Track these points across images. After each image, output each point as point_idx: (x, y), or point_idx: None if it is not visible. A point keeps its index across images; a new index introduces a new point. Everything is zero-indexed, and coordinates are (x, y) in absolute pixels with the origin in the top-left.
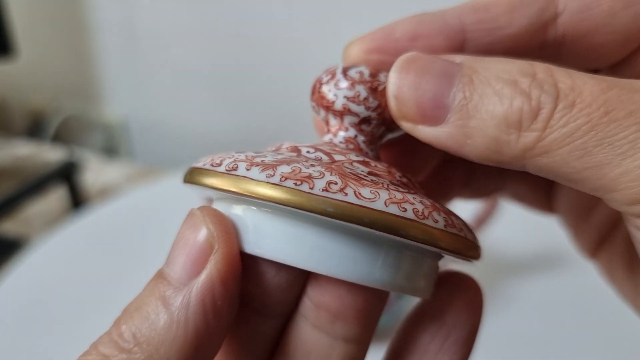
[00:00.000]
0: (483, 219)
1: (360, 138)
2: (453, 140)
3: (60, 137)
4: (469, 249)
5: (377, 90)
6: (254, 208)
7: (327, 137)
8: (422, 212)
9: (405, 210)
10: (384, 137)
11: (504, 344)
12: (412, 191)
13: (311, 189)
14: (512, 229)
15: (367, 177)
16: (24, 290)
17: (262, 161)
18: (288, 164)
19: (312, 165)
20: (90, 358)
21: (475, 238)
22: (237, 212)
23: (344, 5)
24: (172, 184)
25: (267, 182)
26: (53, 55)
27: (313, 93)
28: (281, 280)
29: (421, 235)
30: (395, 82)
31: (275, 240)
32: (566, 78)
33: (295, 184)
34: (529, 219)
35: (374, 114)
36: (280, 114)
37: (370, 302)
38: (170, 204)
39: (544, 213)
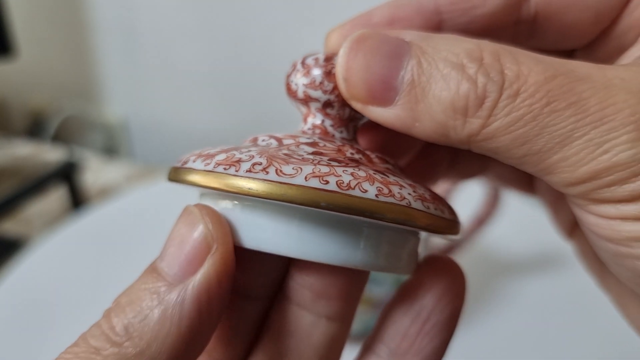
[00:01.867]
0: (483, 219)
1: (328, 122)
2: (401, 122)
3: (60, 137)
4: (407, 216)
5: (330, 74)
6: (231, 200)
7: (300, 126)
8: (348, 184)
9: (327, 182)
10: (357, 119)
11: (503, 343)
12: (352, 165)
13: (237, 171)
14: (512, 229)
15: (299, 156)
16: (24, 290)
17: (208, 153)
18: (227, 152)
19: (248, 151)
20: (78, 350)
21: (431, 208)
22: (215, 205)
23: (344, 6)
24: (172, 184)
25: (203, 170)
26: (53, 55)
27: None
28: (264, 265)
29: (344, 205)
30: (343, 64)
31: (251, 229)
32: (513, 64)
33: (225, 169)
34: (529, 219)
35: (332, 97)
36: (280, 113)
37: (351, 280)
38: (170, 204)
39: (525, 194)
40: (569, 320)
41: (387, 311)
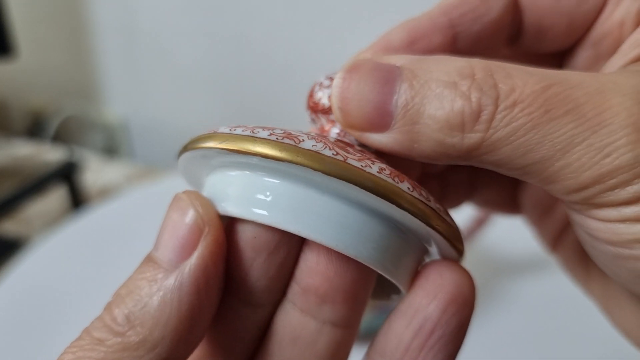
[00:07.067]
0: (483, 219)
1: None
2: (400, 145)
3: (60, 137)
4: (423, 213)
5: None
6: (249, 172)
7: None
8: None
9: (368, 166)
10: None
11: (503, 345)
12: (379, 160)
13: (296, 141)
14: (511, 230)
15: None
16: (24, 290)
17: (243, 125)
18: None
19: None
20: (83, 343)
21: (443, 214)
22: (232, 179)
23: (345, 7)
24: (172, 184)
25: (261, 138)
26: (53, 55)
27: None
28: (270, 265)
29: (380, 188)
30: (337, 94)
31: (274, 205)
32: (506, 78)
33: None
34: None
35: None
36: (280, 114)
37: (357, 284)
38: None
39: (510, 215)
40: (568, 321)
41: (387, 323)
